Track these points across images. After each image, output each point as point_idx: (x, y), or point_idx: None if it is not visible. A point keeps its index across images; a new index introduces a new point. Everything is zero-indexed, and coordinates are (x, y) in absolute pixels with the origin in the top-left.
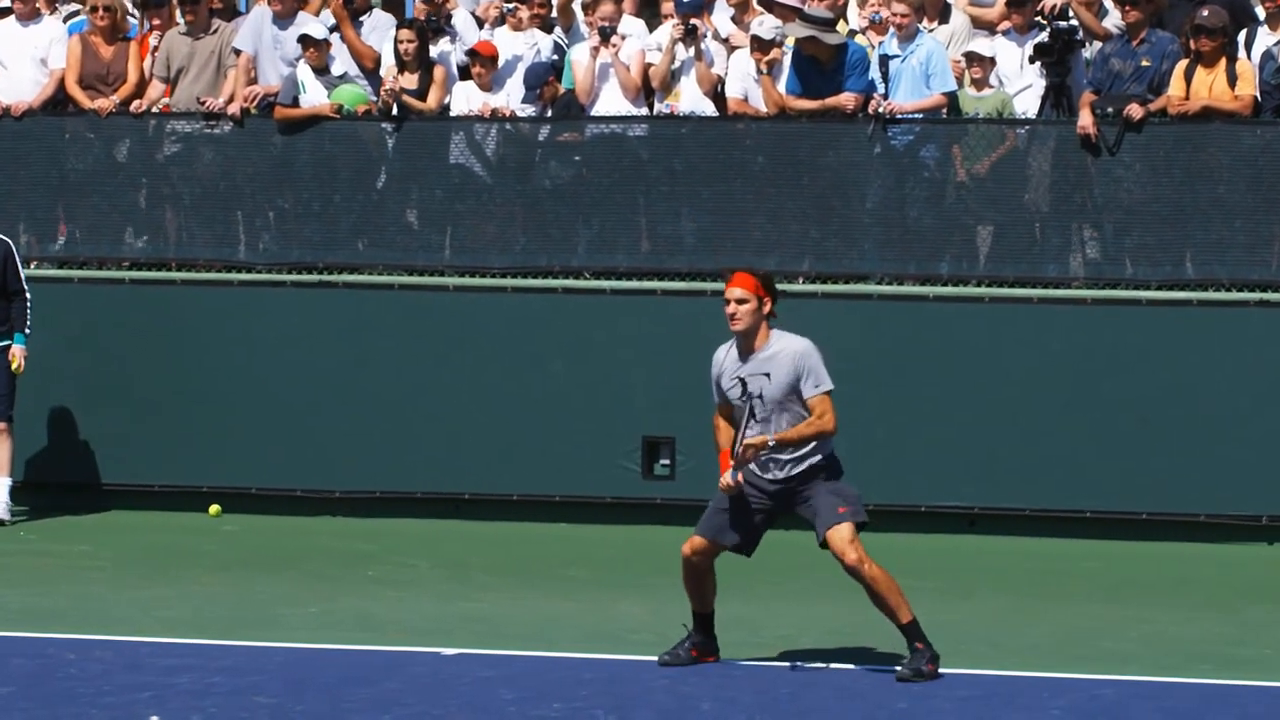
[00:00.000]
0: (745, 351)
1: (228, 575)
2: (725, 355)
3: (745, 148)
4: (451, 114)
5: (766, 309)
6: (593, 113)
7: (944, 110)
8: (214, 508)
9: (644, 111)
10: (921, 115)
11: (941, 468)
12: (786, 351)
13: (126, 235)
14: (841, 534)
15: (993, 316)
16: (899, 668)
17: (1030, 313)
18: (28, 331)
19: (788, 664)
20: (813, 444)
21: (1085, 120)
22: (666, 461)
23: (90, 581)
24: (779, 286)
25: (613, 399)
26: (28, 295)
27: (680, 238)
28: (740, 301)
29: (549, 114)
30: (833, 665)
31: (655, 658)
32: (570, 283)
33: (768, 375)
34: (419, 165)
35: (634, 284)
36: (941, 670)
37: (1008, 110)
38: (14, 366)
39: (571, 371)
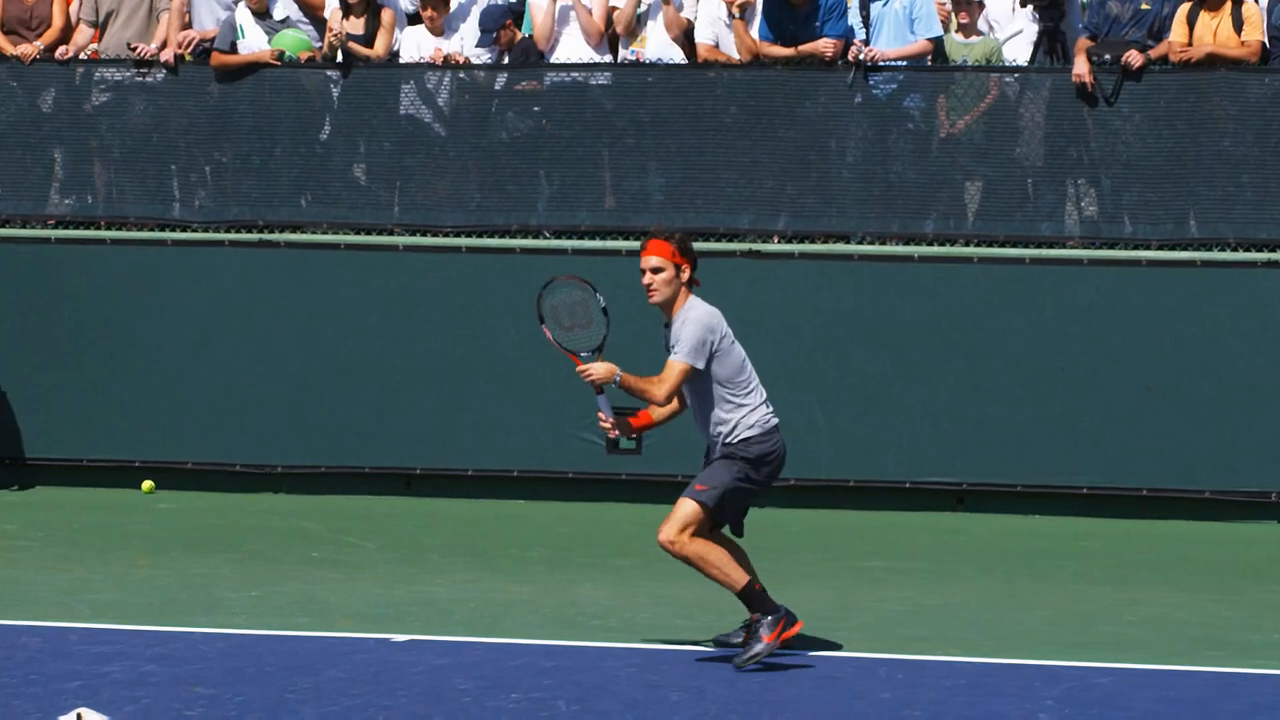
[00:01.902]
0: (666, 320)
1: (162, 556)
2: None
3: (716, 98)
4: (401, 61)
5: (685, 276)
6: (553, 60)
7: (929, 57)
8: (147, 484)
9: (608, 59)
10: (905, 63)
11: (927, 441)
12: (686, 319)
13: (52, 192)
14: (678, 509)
15: (982, 278)
16: (740, 652)
17: (1022, 274)
18: None
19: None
20: (723, 417)
21: (1081, 68)
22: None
23: (13, 563)
24: (754, 246)
25: (574, 367)
26: None
27: (647, 194)
28: (656, 270)
29: (506, 61)
30: (810, 652)
31: (620, 644)
32: (529, 242)
33: (672, 347)
34: (366, 116)
35: (597, 244)
36: (930, 657)
37: (997, 58)
38: None
39: (530, 338)
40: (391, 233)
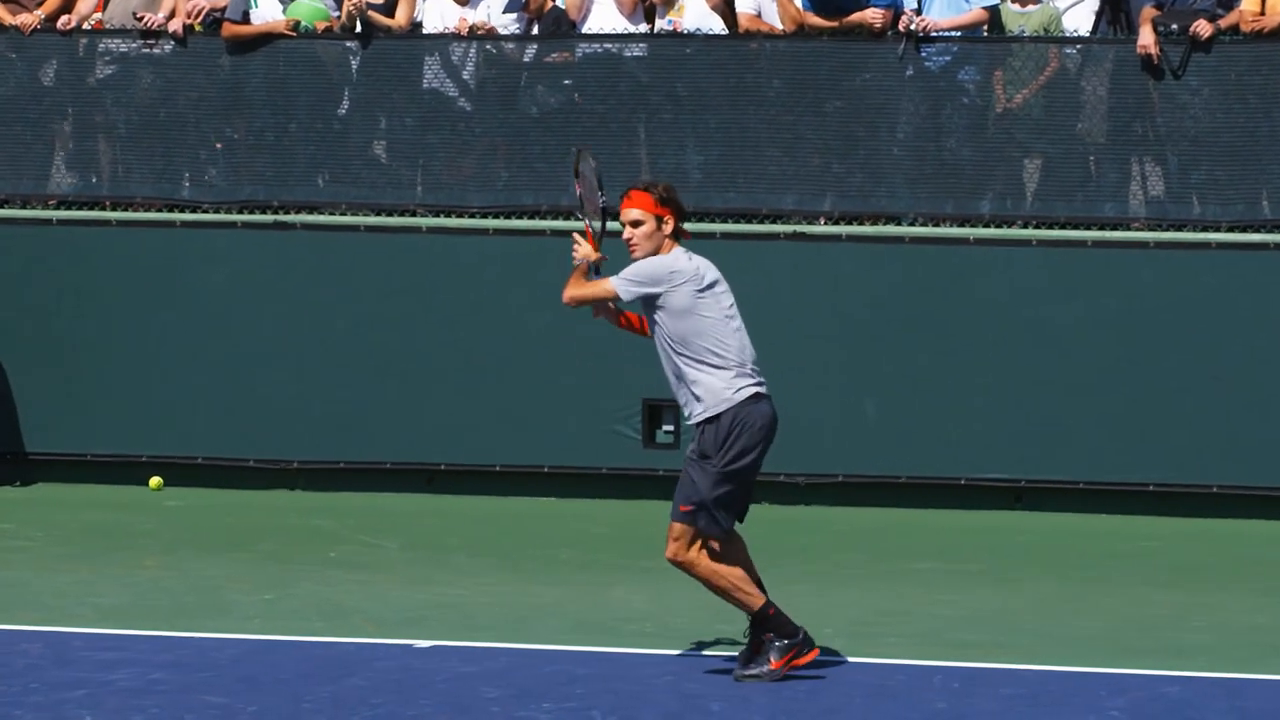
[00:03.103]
0: None
1: (170, 557)
2: None
3: (758, 70)
4: (424, 31)
5: (668, 228)
6: (585, 30)
7: (984, 28)
8: (155, 480)
9: (644, 29)
10: (959, 33)
11: (982, 435)
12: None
13: (53, 170)
14: (670, 528)
15: (1041, 262)
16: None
17: (1084, 258)
18: None
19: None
20: (686, 383)
21: (1146, 39)
22: (670, 428)
23: (13, 564)
24: (798, 228)
25: (609, 356)
26: None
27: (685, 173)
28: (635, 224)
29: (535, 31)
30: (860, 659)
31: (656, 650)
32: (560, 224)
33: None
34: (387, 90)
35: None
36: (987, 664)
37: (1057, 27)
38: None
39: (562, 325)
40: (414, 214)
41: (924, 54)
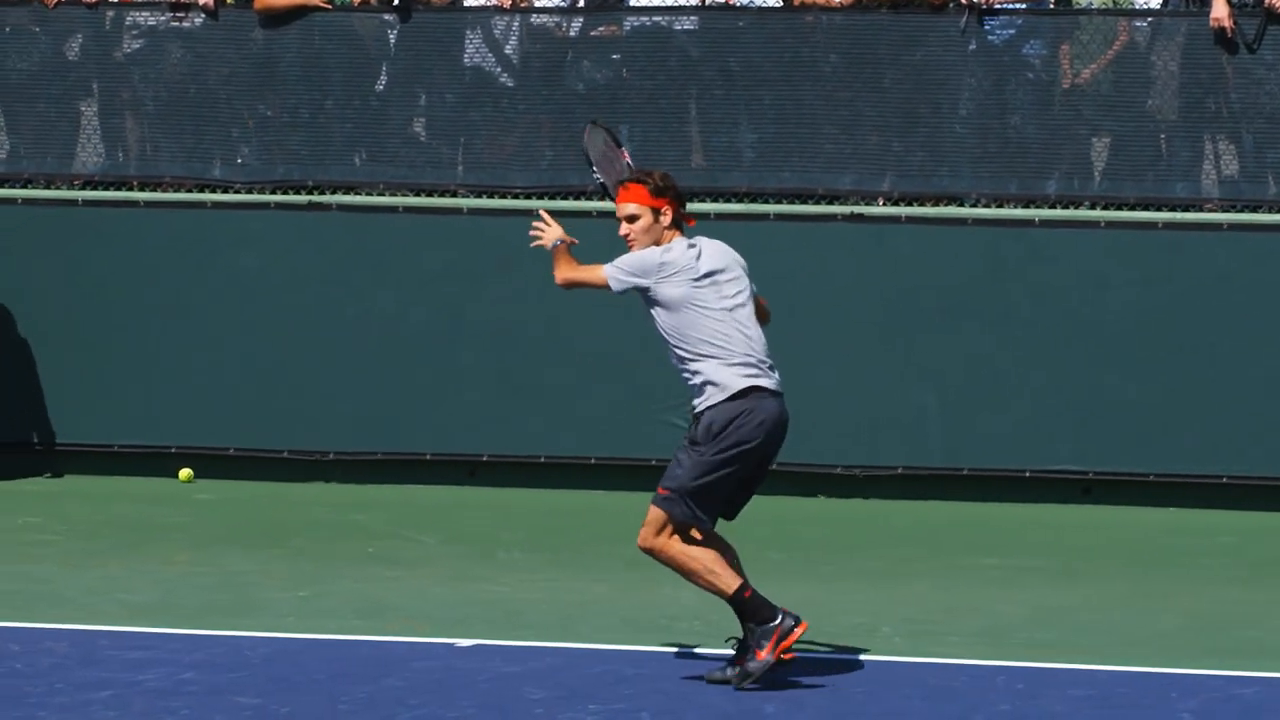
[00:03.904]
0: None
1: (201, 552)
2: None
3: (814, 45)
4: (466, 4)
5: (666, 219)
6: (633, 2)
7: None
8: (185, 472)
9: (694, 1)
10: (1024, 5)
11: (1049, 426)
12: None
13: (79, 149)
14: (649, 513)
15: (1110, 245)
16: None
17: (1155, 240)
18: None
19: (861, 656)
20: (685, 375)
21: (1219, 11)
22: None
23: (38, 559)
24: (856, 209)
25: (658, 344)
26: None
27: (737, 151)
28: (632, 218)
29: (581, 4)
30: (920, 660)
31: (708, 649)
32: (607, 205)
33: None
34: (427, 65)
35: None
36: (1054, 665)
37: (1126, 0)
38: None
39: (609, 311)
40: (455, 194)
41: (987, 27)
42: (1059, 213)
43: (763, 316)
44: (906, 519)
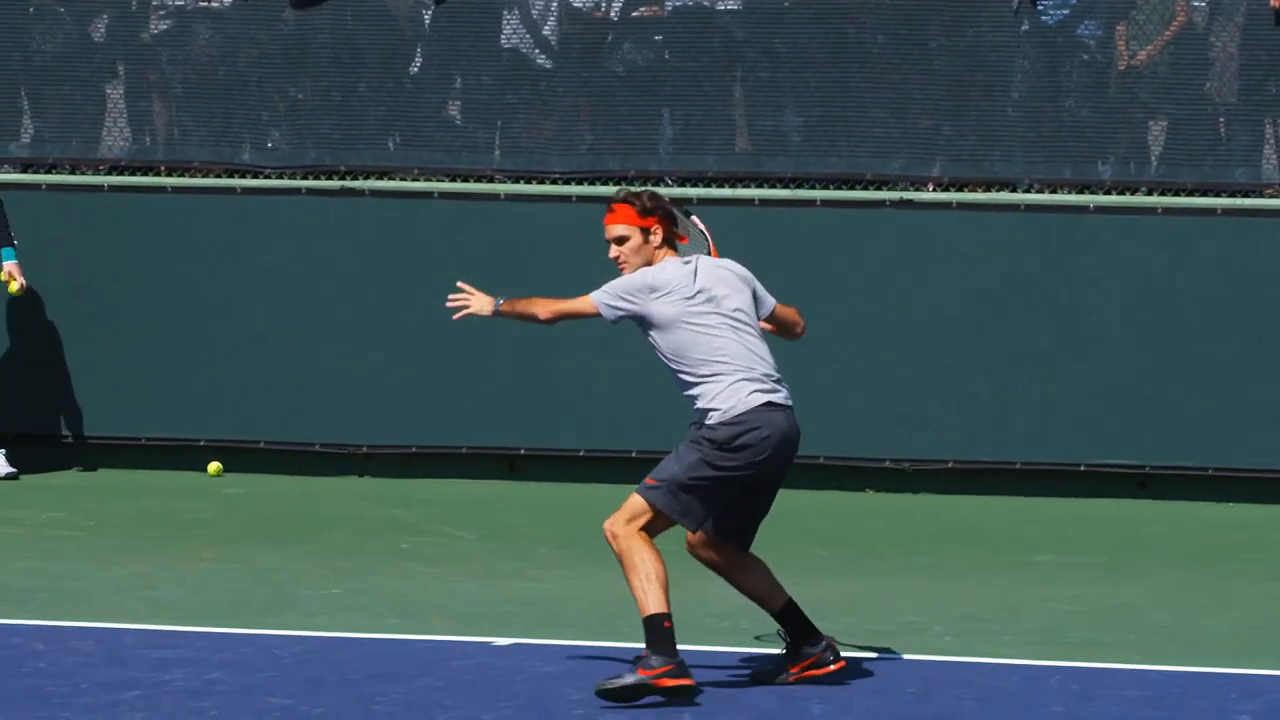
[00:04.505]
0: None
1: (230, 548)
2: None
3: (861, 25)
4: None
5: (657, 238)
6: None
7: None
8: (213, 466)
9: None
10: None
11: (1104, 418)
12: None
13: (105, 133)
14: (627, 499)
15: (1167, 232)
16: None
17: (1214, 227)
18: (16, 243)
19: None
20: (688, 395)
21: None
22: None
23: (62, 556)
24: (905, 195)
25: None
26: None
27: (783, 135)
28: (620, 240)
29: None
30: (971, 659)
31: (751, 649)
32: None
33: None
34: (462, 47)
35: (727, 192)
36: (1109, 665)
37: None
38: (13, 289)
39: None
40: (491, 179)
41: (1040, 7)
42: (1114, 199)
43: (792, 324)
44: (957, 514)
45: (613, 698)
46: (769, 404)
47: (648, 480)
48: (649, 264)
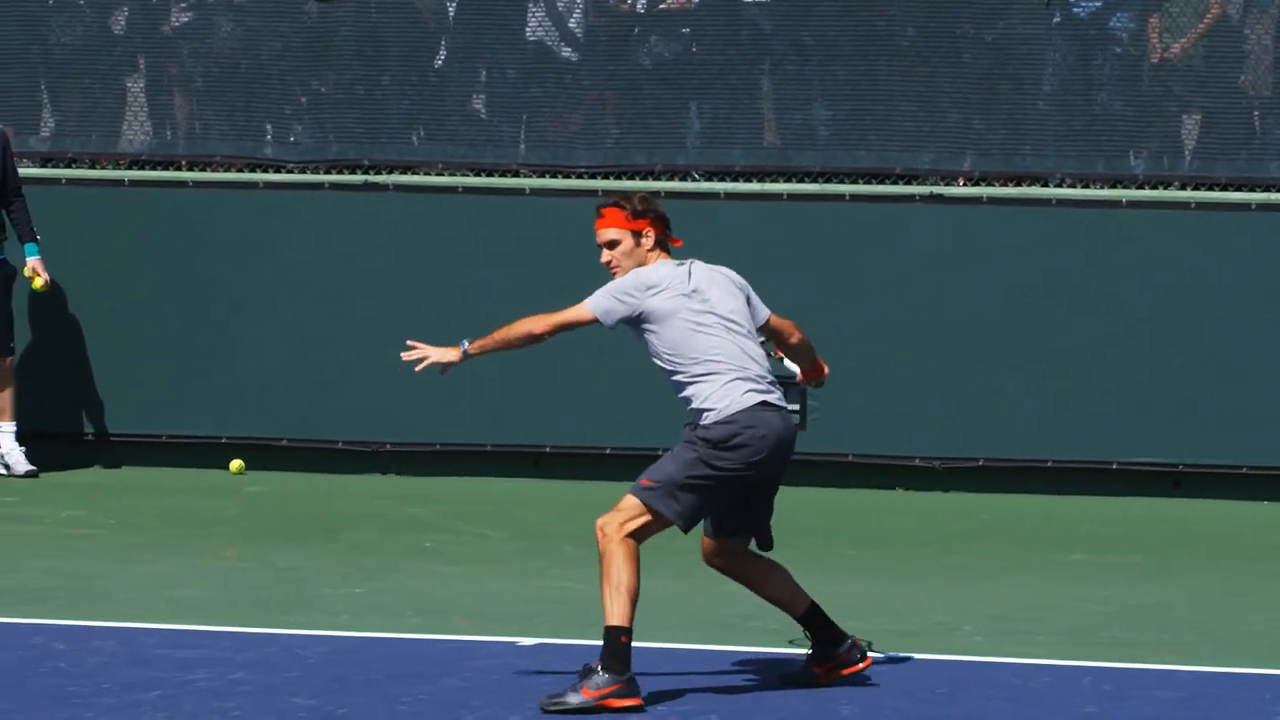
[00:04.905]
0: None
1: (253, 547)
2: None
3: (891, 17)
4: None
5: (649, 241)
6: None
7: None
8: (235, 464)
9: None
10: None
11: (1137, 416)
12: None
13: (125, 127)
14: (623, 499)
15: (1200, 227)
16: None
17: (1248, 222)
18: (39, 239)
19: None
20: (681, 396)
21: None
22: (795, 407)
23: (82, 554)
24: (935, 189)
25: None
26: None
27: (811, 129)
28: (612, 244)
29: None
30: (1002, 659)
31: (780, 650)
32: (675, 185)
33: None
34: (487, 39)
35: (754, 186)
36: (1142, 665)
37: None
38: (37, 285)
39: None
40: (516, 174)
41: None
42: (1147, 193)
43: (789, 334)
44: (988, 513)
45: (560, 711)
46: (764, 404)
47: (643, 480)
48: (642, 266)
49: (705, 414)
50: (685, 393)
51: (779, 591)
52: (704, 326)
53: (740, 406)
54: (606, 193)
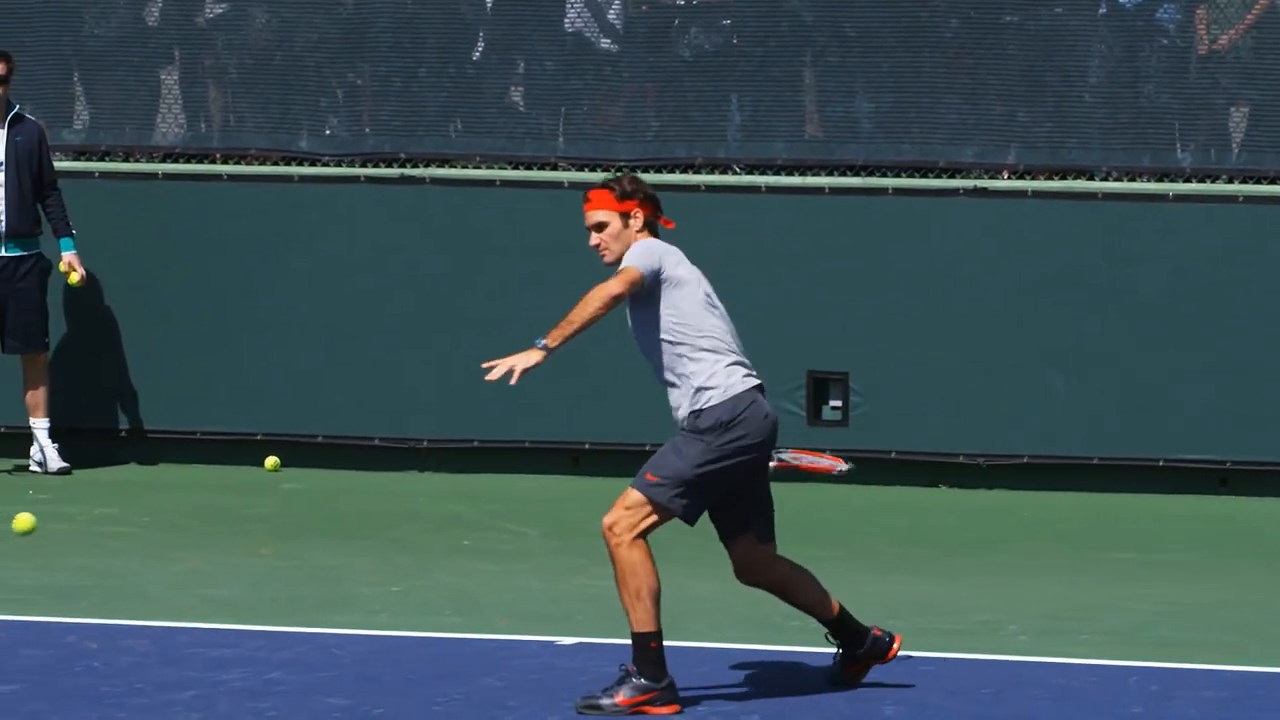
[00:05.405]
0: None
1: (289, 545)
2: None
3: (934, 8)
4: None
5: (637, 222)
6: None
7: None
8: (271, 461)
9: None
10: None
11: (1184, 413)
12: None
13: (159, 120)
14: (629, 493)
15: (1249, 221)
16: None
17: None
18: (75, 233)
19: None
20: (676, 375)
21: None
22: (838, 403)
23: (116, 553)
24: (979, 183)
25: (770, 325)
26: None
27: (854, 121)
28: (599, 227)
29: None
30: (1048, 659)
31: (823, 649)
32: (716, 179)
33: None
34: (525, 31)
35: (796, 180)
36: (1189, 665)
37: None
38: (73, 280)
39: (718, 290)
40: (555, 167)
41: None
42: (1194, 187)
43: None
44: (1032, 511)
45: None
46: (759, 387)
47: (648, 476)
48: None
49: (706, 393)
50: (685, 369)
51: (810, 597)
52: (711, 306)
53: (743, 387)
54: None
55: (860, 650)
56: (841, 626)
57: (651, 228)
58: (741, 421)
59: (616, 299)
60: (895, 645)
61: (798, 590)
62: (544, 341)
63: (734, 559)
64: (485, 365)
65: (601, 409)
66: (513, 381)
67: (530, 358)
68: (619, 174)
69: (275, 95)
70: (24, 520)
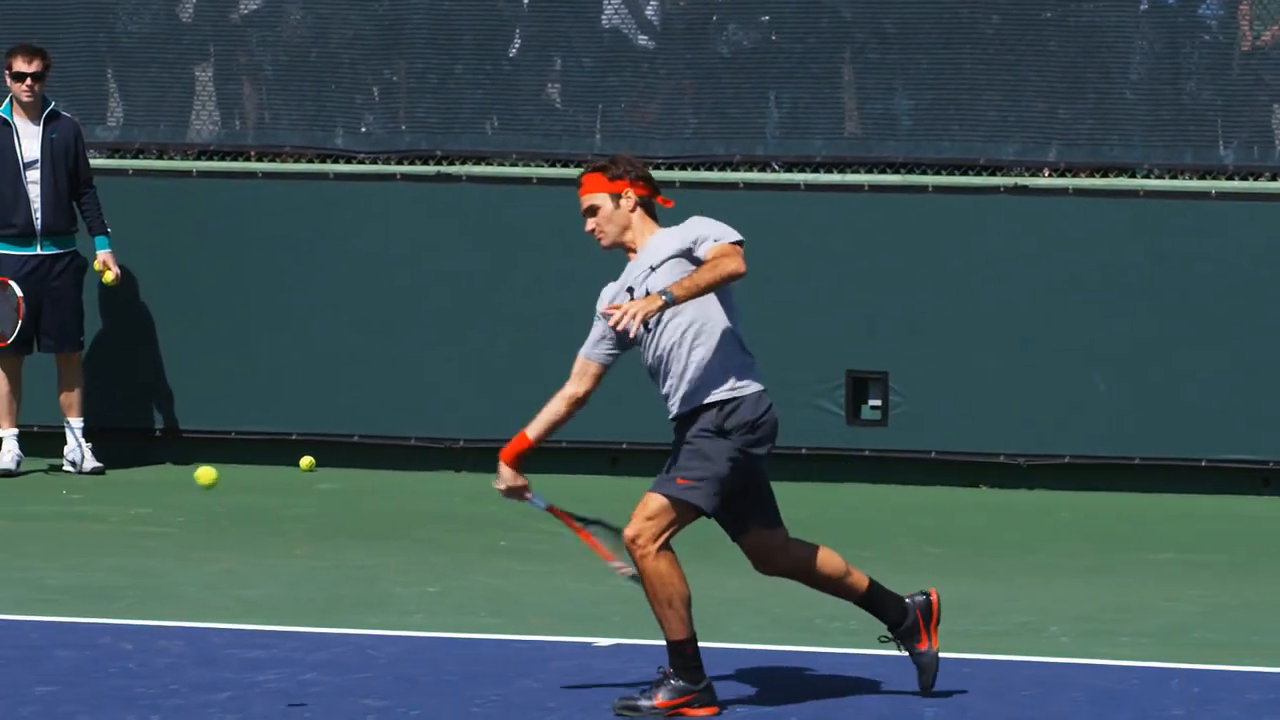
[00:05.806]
0: (630, 261)
1: (324, 545)
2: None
3: (975, 4)
4: None
5: (630, 202)
6: None
7: None
8: (306, 460)
9: None
10: None
11: (1227, 412)
12: (672, 231)
13: (194, 117)
14: (650, 501)
15: None
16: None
17: None
18: (109, 232)
19: (1026, 657)
20: (701, 376)
21: None
22: (878, 402)
23: (150, 553)
24: (1020, 180)
25: (809, 324)
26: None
27: (893, 119)
28: (592, 210)
29: None
30: (1088, 661)
31: (862, 650)
32: (754, 176)
33: (652, 267)
34: (562, 28)
35: (835, 177)
36: (1231, 667)
37: None
38: (108, 278)
39: (757, 289)
40: None
41: None
42: (1237, 184)
43: None
44: (1073, 511)
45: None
46: (765, 391)
47: (679, 480)
48: (625, 228)
49: (737, 391)
50: (712, 359)
51: (832, 576)
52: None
53: (759, 387)
54: (684, 184)
55: (905, 618)
56: (876, 600)
57: (647, 207)
58: (764, 423)
59: (739, 275)
60: (933, 596)
61: (820, 568)
62: (671, 293)
63: (748, 551)
64: (607, 309)
65: (640, 409)
66: (634, 330)
67: (652, 303)
68: (613, 156)
69: (310, 92)
70: (207, 473)
